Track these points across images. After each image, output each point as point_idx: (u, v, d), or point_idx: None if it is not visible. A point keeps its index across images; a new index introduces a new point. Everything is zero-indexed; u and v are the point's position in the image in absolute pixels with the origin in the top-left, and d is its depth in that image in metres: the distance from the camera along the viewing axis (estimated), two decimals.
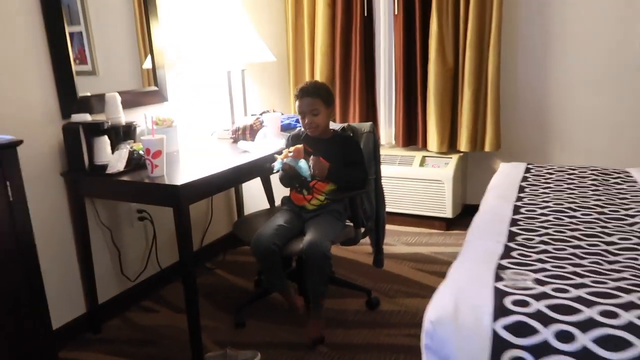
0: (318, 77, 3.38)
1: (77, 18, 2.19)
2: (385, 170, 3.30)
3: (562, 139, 3.12)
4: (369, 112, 3.43)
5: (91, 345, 2.15)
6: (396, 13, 3.19)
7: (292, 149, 2.06)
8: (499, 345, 1.06)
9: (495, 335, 1.07)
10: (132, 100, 2.36)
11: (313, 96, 2.09)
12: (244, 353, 1.98)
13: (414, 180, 3.27)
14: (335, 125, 2.36)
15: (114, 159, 2.02)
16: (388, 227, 3.29)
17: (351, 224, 2.22)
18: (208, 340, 2.14)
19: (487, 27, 3.00)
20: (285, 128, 2.55)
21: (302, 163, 2.03)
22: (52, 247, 2.06)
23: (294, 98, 2.16)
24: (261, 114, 2.66)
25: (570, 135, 3.09)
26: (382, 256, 2.41)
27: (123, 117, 2.16)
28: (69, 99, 2.08)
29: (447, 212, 3.22)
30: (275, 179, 2.30)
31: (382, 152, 3.39)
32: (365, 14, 3.27)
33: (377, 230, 2.34)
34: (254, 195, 3.06)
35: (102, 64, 2.31)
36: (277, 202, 2.45)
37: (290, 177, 2.11)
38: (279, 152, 2.13)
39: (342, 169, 2.09)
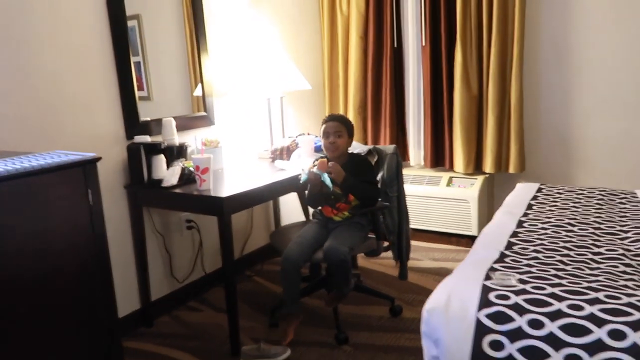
0: (351, 104, 3.67)
1: (136, 49, 2.56)
2: (414, 189, 3.53)
3: (584, 162, 3.25)
4: (399, 135, 3.67)
5: (145, 337, 2.46)
6: (424, 44, 3.44)
7: (317, 160, 2.32)
8: (481, 331, 1.27)
9: (479, 322, 1.28)
10: (184, 123, 2.71)
11: (340, 122, 2.37)
12: (275, 348, 2.23)
13: (441, 199, 3.47)
14: (361, 147, 2.61)
15: (168, 174, 2.35)
16: (416, 243, 3.50)
17: (374, 236, 2.45)
18: (245, 337, 2.41)
19: (509, 56, 3.20)
20: (318, 149, 2.83)
21: (326, 175, 2.25)
22: (115, 249, 2.38)
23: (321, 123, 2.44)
24: (297, 137, 2.95)
25: (592, 158, 3.22)
26: (405, 269, 2.62)
27: (177, 138, 2.50)
28: (132, 122, 2.44)
29: (473, 230, 3.39)
30: None
31: (411, 172, 3.63)
32: (395, 46, 3.54)
33: (400, 245, 2.56)
34: (290, 210, 3.34)
35: (156, 90, 2.67)
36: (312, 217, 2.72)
37: (315, 194, 2.36)
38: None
39: (357, 181, 2.32)
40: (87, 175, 1.61)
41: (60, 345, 1.57)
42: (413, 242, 3.49)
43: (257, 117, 3.21)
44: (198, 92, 2.86)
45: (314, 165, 2.28)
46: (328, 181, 2.24)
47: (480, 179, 3.40)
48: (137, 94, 2.50)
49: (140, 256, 2.50)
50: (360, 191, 2.36)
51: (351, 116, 3.68)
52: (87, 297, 1.65)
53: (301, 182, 2.32)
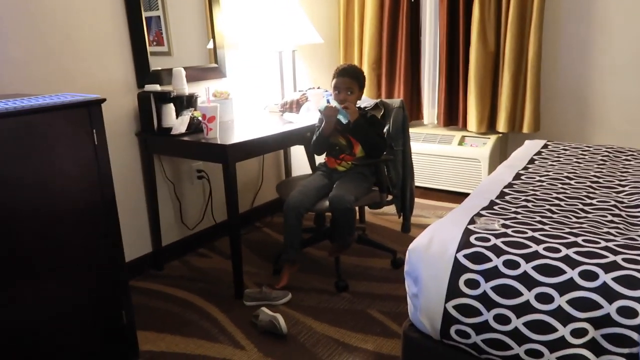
0: (366, 59, 3.64)
1: (155, 3, 2.59)
2: (426, 147, 3.52)
3: (601, 123, 3.17)
4: (414, 93, 3.64)
5: (155, 279, 2.59)
6: None
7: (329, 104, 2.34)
8: (458, 270, 1.30)
9: (456, 261, 1.31)
10: (196, 75, 2.75)
11: (352, 77, 2.37)
12: (276, 292, 2.32)
13: (453, 158, 3.46)
14: (369, 101, 2.61)
15: (177, 123, 2.41)
16: (425, 201, 3.52)
17: (377, 189, 2.49)
18: (249, 281, 2.51)
19: (529, 12, 3.10)
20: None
21: (342, 109, 2.30)
22: (127, 195, 2.50)
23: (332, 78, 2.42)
24: (307, 90, 2.96)
25: (609, 118, 3.14)
26: (409, 223, 2.65)
27: (187, 88, 2.54)
28: (143, 72, 2.50)
29: None
30: None
31: (424, 130, 3.61)
32: (412, 0, 3.46)
33: (404, 199, 2.58)
34: (300, 164, 3.39)
35: (175, 45, 2.71)
36: None
37: (322, 138, 2.41)
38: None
39: (367, 126, 2.35)
40: (92, 116, 1.68)
41: (67, 285, 1.67)
42: (422, 200, 3.52)
43: (269, 70, 3.22)
44: (211, 45, 2.89)
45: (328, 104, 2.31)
46: (343, 116, 2.28)
47: (493, 139, 3.37)
48: (157, 48, 2.55)
49: (151, 202, 2.60)
50: (368, 137, 2.38)
51: (366, 72, 3.64)
52: (94, 235, 1.74)
53: (320, 110, 2.35)
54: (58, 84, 2.17)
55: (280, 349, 1.97)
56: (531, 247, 1.29)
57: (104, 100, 1.71)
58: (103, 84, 2.34)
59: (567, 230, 1.37)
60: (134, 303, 2.21)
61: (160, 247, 2.67)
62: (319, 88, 2.98)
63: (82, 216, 1.69)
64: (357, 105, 2.45)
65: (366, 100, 2.62)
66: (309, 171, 2.93)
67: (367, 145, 2.41)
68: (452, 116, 3.53)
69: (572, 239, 1.31)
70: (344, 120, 2.31)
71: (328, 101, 2.33)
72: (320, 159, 2.66)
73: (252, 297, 2.30)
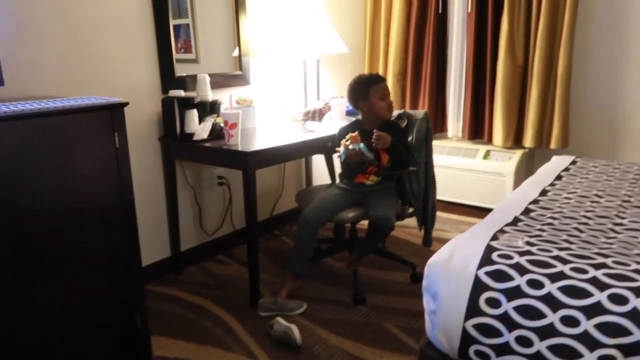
0: (391, 70, 3.61)
1: (185, 11, 2.62)
2: (450, 160, 3.46)
3: (633, 139, 3.07)
4: (438, 105, 3.59)
5: (172, 284, 2.59)
6: (469, 11, 3.32)
7: (348, 137, 2.23)
8: (478, 287, 1.26)
9: (477, 279, 1.27)
10: (221, 81, 2.77)
11: (385, 82, 2.33)
12: (291, 302, 2.29)
13: (476, 172, 3.39)
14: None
15: (200, 129, 2.42)
16: (447, 215, 3.45)
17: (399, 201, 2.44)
18: (265, 290, 2.48)
19: (559, 25, 3.04)
20: (350, 113, 2.82)
21: (363, 145, 2.20)
22: (148, 198, 2.52)
23: (364, 86, 2.30)
24: (330, 99, 2.95)
25: None
26: (430, 237, 2.60)
27: (210, 95, 2.56)
28: (168, 77, 2.52)
29: None
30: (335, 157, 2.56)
31: (448, 143, 3.56)
32: (440, 12, 3.43)
33: (425, 212, 2.53)
34: (321, 173, 3.36)
35: (202, 52, 2.74)
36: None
37: (352, 167, 2.31)
38: (338, 145, 2.32)
39: (398, 144, 2.27)
40: (114, 119, 1.69)
41: (83, 286, 1.68)
42: (444, 214, 3.45)
43: (293, 78, 3.22)
44: (236, 52, 2.90)
45: (347, 142, 2.20)
46: (367, 152, 2.20)
47: (518, 154, 3.29)
48: (185, 55, 2.58)
49: (172, 206, 2.61)
50: (400, 154, 2.30)
51: (390, 83, 3.63)
52: (111, 238, 1.74)
53: (341, 160, 2.26)
54: (87, 87, 2.20)
55: None
56: (557, 266, 1.23)
57: (126, 104, 1.72)
58: (129, 89, 2.37)
59: (596, 250, 1.31)
60: (150, 307, 2.22)
61: (179, 252, 2.68)
62: (342, 97, 2.96)
63: (101, 218, 1.70)
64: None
65: None
66: (329, 180, 2.90)
67: (396, 161, 2.33)
68: (478, 129, 3.47)
69: (601, 259, 1.25)
70: (369, 155, 2.22)
71: (347, 140, 2.21)
72: (339, 168, 2.62)
73: (267, 307, 2.27)
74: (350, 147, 2.19)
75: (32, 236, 1.53)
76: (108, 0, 2.24)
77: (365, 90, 2.29)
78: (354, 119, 2.57)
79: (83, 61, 2.18)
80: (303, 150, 2.55)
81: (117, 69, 2.31)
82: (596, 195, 1.80)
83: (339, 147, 2.28)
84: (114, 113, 1.69)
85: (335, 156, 2.43)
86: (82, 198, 1.64)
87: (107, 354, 1.78)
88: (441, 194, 3.51)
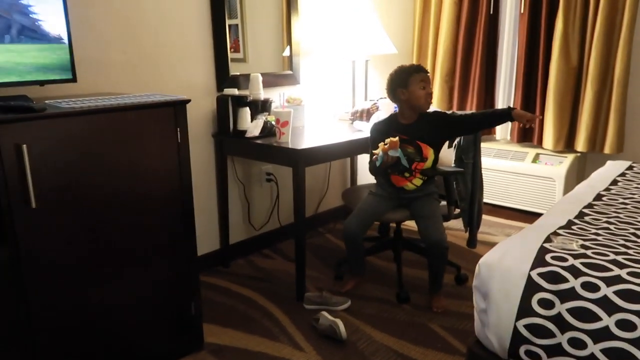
0: (439, 71, 3.60)
1: (235, 12, 2.71)
2: (497, 163, 3.42)
3: None
4: (487, 107, 3.55)
5: (221, 275, 2.68)
6: (522, 12, 3.27)
7: (387, 141, 2.12)
8: (531, 288, 1.26)
9: (530, 279, 1.27)
10: (271, 81, 2.84)
11: (427, 72, 2.29)
12: (336, 297, 2.34)
13: (525, 175, 3.33)
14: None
15: (252, 126, 2.50)
16: (492, 218, 3.41)
17: (444, 202, 2.44)
18: (311, 285, 2.54)
19: (617, 26, 2.95)
20: None
21: (401, 152, 2.14)
22: (200, 192, 2.62)
23: (405, 74, 2.25)
24: (378, 100, 2.97)
25: None
26: (475, 238, 2.58)
27: (262, 93, 2.63)
28: (223, 76, 2.62)
29: None
30: None
31: (496, 146, 3.52)
32: (491, 12, 3.39)
33: (471, 212, 2.52)
34: (366, 172, 3.38)
35: (251, 52, 2.82)
36: None
37: (385, 168, 2.25)
38: (372, 143, 2.29)
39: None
40: (177, 115, 1.79)
41: (145, 272, 1.78)
42: (490, 217, 3.42)
43: (341, 79, 3.27)
44: (287, 52, 2.98)
45: (386, 144, 2.13)
46: (404, 159, 2.15)
47: (570, 158, 3.21)
48: (234, 55, 2.66)
49: (222, 201, 2.70)
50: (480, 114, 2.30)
51: (437, 84, 3.62)
52: (171, 227, 1.84)
53: (377, 165, 2.19)
54: (149, 85, 2.32)
55: (339, 354, 1.98)
56: (613, 270, 1.22)
57: (188, 101, 1.81)
58: (187, 87, 2.48)
59: None
60: (202, 297, 2.31)
61: (228, 245, 2.77)
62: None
63: (162, 208, 1.80)
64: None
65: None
66: (374, 180, 2.92)
67: (486, 120, 2.31)
68: (527, 132, 3.41)
69: None
70: (405, 163, 2.18)
71: (385, 144, 2.14)
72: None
73: (312, 300, 2.33)
74: (390, 152, 2.13)
75: (104, 221, 1.64)
76: (167, 3, 2.35)
77: (405, 78, 2.23)
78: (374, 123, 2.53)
79: (146, 60, 2.30)
80: (350, 150, 2.59)
81: (176, 68, 2.43)
82: None
83: (375, 149, 2.20)
84: (177, 109, 1.78)
85: (368, 159, 2.37)
86: (146, 190, 1.74)
87: (164, 337, 1.88)
88: (488, 197, 3.47)
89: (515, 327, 1.26)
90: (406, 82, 2.24)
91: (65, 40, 1.79)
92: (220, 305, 2.37)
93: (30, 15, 1.71)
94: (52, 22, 1.76)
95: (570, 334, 1.19)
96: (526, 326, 1.25)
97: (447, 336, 2.09)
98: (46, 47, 1.78)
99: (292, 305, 2.35)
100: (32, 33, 1.72)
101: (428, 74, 2.29)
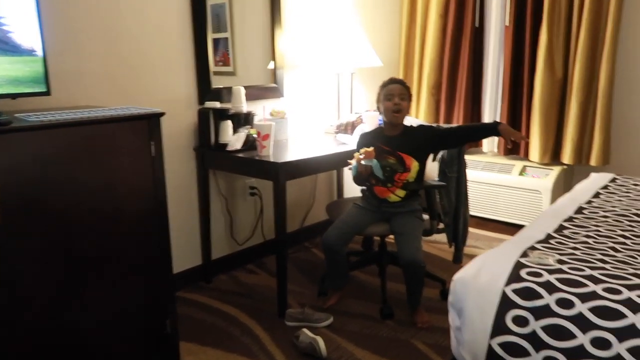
0: (425, 84, 3.59)
1: (224, 26, 2.70)
2: (484, 176, 3.40)
3: None
4: (473, 120, 3.54)
5: (202, 291, 2.63)
6: (507, 24, 3.28)
7: (362, 151, 2.14)
8: (505, 305, 1.23)
9: (504, 296, 1.24)
10: (255, 94, 2.82)
11: (402, 85, 2.29)
12: (318, 314, 2.29)
13: (512, 188, 3.32)
14: (414, 121, 2.56)
15: (233, 139, 2.47)
16: (480, 231, 3.38)
17: (427, 216, 2.40)
18: (293, 301, 2.49)
19: (601, 37, 2.96)
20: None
21: (376, 162, 2.16)
22: (181, 206, 2.58)
23: (380, 88, 2.31)
24: (363, 113, 2.95)
25: None
26: (460, 253, 2.55)
27: (245, 106, 2.61)
28: (205, 88, 2.59)
29: None
30: None
31: (483, 159, 3.50)
32: (477, 25, 3.40)
33: (456, 227, 2.49)
34: (353, 186, 3.36)
35: (240, 65, 2.80)
36: None
37: (364, 177, 2.25)
38: (351, 157, 2.25)
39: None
40: (151, 128, 1.76)
41: (116, 289, 1.73)
42: (477, 230, 3.38)
43: (326, 91, 3.25)
44: (272, 65, 2.96)
45: (361, 156, 2.13)
46: (378, 170, 2.17)
47: (556, 170, 3.20)
48: (223, 68, 2.65)
49: (204, 215, 2.66)
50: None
51: (424, 96, 3.61)
52: (144, 243, 1.79)
53: (353, 174, 2.24)
54: (129, 97, 2.29)
55: None
56: (588, 285, 1.19)
57: (162, 114, 1.78)
58: (168, 99, 2.45)
59: (632, 271, 1.26)
60: (180, 314, 2.26)
61: (210, 260, 2.72)
62: (375, 110, 2.96)
63: (135, 223, 1.76)
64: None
65: (415, 123, 2.57)
66: (359, 193, 2.90)
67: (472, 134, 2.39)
68: (514, 145, 3.38)
69: (637, 280, 1.20)
70: (379, 174, 2.22)
71: (360, 154, 2.16)
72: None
73: (294, 317, 2.28)
74: (363, 162, 2.14)
75: (74, 238, 1.60)
76: (149, 15, 2.33)
77: (380, 91, 2.32)
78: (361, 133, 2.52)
79: (125, 73, 2.28)
80: (334, 163, 2.56)
81: (157, 79, 2.40)
82: (636, 214, 1.73)
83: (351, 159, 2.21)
84: (151, 123, 1.75)
85: (346, 168, 2.39)
86: (119, 204, 1.70)
87: (139, 356, 1.83)
88: (475, 210, 3.44)
89: (489, 346, 1.23)
90: (380, 95, 2.31)
91: (39, 52, 1.76)
92: (199, 322, 2.32)
93: (1, 27, 1.68)
94: (25, 33, 1.73)
95: (545, 353, 1.16)
96: (500, 344, 1.21)
97: (430, 353, 2.05)
98: (19, 59, 1.75)
99: (273, 322, 2.30)
100: (3, 45, 1.69)
101: (400, 86, 2.27)
